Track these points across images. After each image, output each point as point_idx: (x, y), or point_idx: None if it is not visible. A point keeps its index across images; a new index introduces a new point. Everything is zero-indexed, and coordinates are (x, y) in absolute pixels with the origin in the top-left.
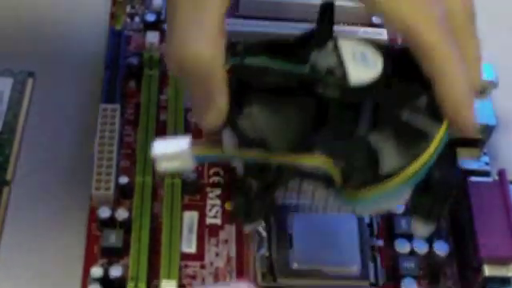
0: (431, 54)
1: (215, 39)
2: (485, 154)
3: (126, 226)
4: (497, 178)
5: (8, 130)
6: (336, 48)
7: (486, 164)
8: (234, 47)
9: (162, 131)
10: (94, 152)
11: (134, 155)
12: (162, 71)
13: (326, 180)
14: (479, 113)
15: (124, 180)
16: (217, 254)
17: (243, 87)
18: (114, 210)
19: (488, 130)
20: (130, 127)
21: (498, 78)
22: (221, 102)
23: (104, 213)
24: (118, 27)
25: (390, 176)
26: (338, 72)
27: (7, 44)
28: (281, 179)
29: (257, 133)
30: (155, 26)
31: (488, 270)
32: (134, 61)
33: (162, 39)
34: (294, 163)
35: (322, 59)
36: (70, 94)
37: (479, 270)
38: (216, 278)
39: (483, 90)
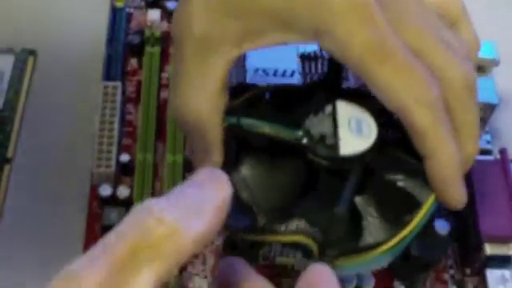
0: (423, 136)
1: (215, 99)
2: (486, 132)
3: (127, 203)
4: (498, 156)
5: (9, 107)
6: (333, 111)
7: (488, 142)
8: (237, 95)
9: (163, 108)
10: (95, 130)
11: (135, 133)
12: (163, 49)
13: (305, 251)
14: (481, 91)
15: (125, 158)
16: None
17: (239, 144)
18: (115, 187)
19: (489, 108)
20: (131, 105)
21: (500, 56)
22: (216, 157)
23: (105, 191)
24: (120, 4)
25: (370, 247)
26: (330, 140)
27: (8, 22)
28: (262, 244)
29: (247, 190)
30: (156, 3)
31: (489, 249)
32: (136, 38)
33: (163, 17)
34: (274, 240)
35: (316, 124)
36: (71, 72)
37: (480, 248)
38: (216, 255)
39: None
